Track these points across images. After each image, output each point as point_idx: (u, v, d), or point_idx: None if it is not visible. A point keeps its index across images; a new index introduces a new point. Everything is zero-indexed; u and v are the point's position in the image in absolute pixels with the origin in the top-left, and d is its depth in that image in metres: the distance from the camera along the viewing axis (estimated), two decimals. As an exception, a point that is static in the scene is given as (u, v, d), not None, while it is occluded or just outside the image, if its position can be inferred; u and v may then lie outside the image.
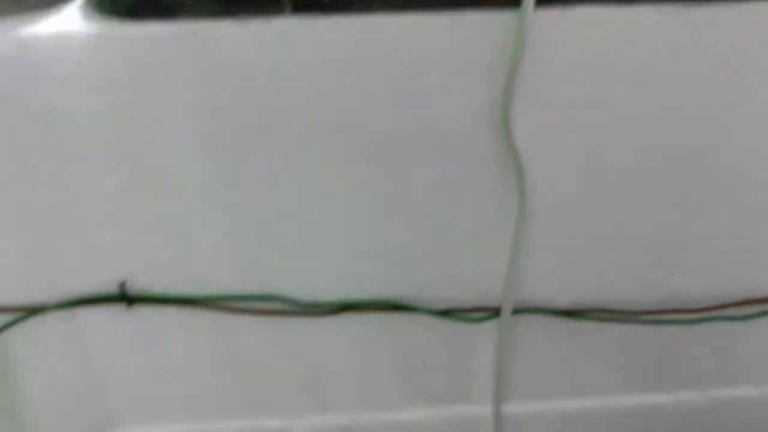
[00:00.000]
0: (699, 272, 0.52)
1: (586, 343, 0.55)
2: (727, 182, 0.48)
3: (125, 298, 0.51)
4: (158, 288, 0.51)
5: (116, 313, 0.51)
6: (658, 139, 0.46)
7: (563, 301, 0.53)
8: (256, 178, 0.47)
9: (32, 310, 0.50)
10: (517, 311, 0.52)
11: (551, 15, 0.41)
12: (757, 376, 0.58)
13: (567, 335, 0.54)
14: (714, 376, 0.58)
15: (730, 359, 0.57)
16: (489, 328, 0.53)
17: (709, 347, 0.56)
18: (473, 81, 0.44)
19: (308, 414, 0.58)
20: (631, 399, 0.59)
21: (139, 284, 0.51)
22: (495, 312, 0.52)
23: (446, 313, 0.53)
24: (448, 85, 0.44)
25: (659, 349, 0.56)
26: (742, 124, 0.46)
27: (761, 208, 0.49)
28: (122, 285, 0.51)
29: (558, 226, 0.50)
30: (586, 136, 0.46)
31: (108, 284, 0.50)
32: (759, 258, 0.51)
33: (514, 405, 0.58)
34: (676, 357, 0.57)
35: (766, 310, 0.52)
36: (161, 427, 0.58)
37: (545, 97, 0.44)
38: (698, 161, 0.47)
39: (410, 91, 0.44)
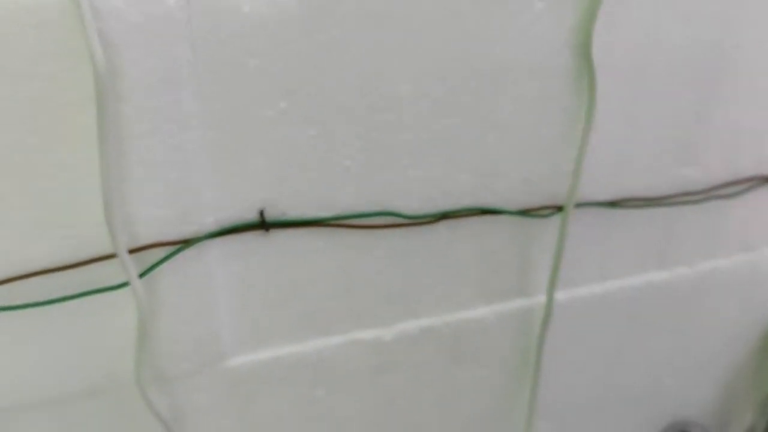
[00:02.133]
0: (703, 161, 0.67)
1: (619, 231, 0.69)
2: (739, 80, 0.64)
3: (264, 224, 0.56)
4: (293, 213, 0.57)
5: (254, 239, 0.57)
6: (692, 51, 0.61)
7: (605, 194, 0.66)
8: (386, 108, 0.55)
9: (183, 243, 0.54)
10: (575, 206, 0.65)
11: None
12: (737, 247, 0.75)
13: (605, 224, 0.68)
14: (702, 251, 0.74)
15: (716, 235, 0.73)
16: (553, 221, 0.65)
17: (701, 225, 0.72)
18: (565, 7, 0.55)
19: (396, 322, 0.66)
20: (641, 278, 0.74)
21: (276, 211, 0.56)
22: (558, 208, 0.65)
23: (523, 212, 0.64)
24: (549, 10, 0.55)
25: (665, 230, 0.71)
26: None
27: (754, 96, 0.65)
28: (261, 212, 0.56)
29: (612, 133, 0.63)
30: (653, 56, 0.60)
31: (249, 213, 0.56)
32: (743, 143, 0.68)
33: (560, 293, 0.70)
34: (675, 236, 0.72)
35: (748, 187, 0.69)
36: (270, 351, 0.63)
37: (623, 22, 0.57)
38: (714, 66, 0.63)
39: (521, 15, 0.55)
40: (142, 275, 0.53)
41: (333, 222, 0.58)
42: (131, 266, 0.52)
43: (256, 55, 0.49)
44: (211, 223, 0.55)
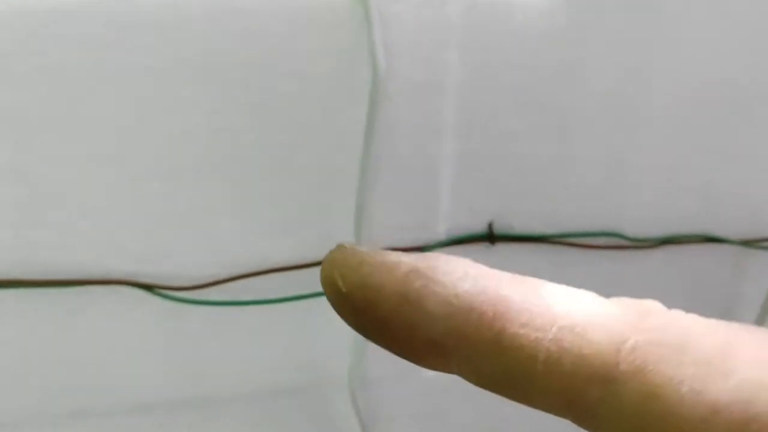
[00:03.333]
0: None
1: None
2: None
3: (491, 236, 0.55)
4: (519, 227, 0.56)
5: (479, 251, 0.56)
6: None
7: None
8: (629, 129, 0.53)
9: (415, 250, 0.54)
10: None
11: None
12: None
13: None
14: None
15: None
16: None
17: None
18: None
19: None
20: None
21: (504, 224, 0.55)
22: (782, 241, 0.62)
23: (746, 243, 0.61)
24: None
25: None
26: None
27: None
28: (490, 225, 0.55)
29: None
30: None
31: (478, 224, 0.55)
32: None
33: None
34: None
35: None
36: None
37: None
38: None
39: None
40: (374, 279, 0.53)
41: (556, 239, 0.57)
42: (368, 270, 0.51)
43: (517, 68, 0.49)
44: (442, 233, 0.54)
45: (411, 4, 0.44)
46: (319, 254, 0.51)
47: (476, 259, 0.51)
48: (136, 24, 0.41)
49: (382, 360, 0.59)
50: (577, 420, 0.14)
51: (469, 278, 0.15)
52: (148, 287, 0.51)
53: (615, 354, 0.14)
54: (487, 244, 0.56)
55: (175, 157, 0.47)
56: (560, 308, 0.15)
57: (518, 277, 0.16)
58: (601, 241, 0.58)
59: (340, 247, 0.16)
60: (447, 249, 0.55)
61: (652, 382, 0.13)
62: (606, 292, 0.54)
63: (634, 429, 0.13)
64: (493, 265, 0.51)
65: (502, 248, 0.56)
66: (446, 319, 0.15)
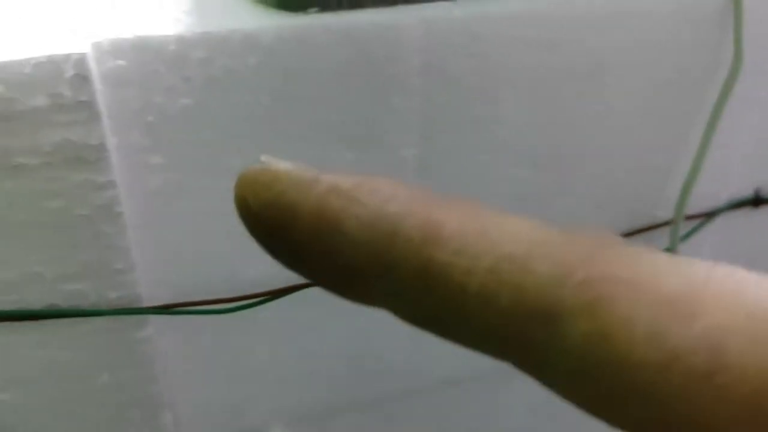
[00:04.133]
0: None
1: None
2: None
3: (757, 201, 0.62)
4: (778, 191, 0.63)
5: (744, 214, 0.63)
6: None
7: None
8: None
9: (706, 216, 0.60)
10: None
11: None
12: None
13: None
14: None
15: None
16: None
17: None
18: None
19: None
20: None
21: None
22: None
23: None
24: None
25: None
26: None
27: None
28: (757, 191, 0.62)
29: None
30: None
31: (743, 190, 0.62)
32: None
33: None
34: None
35: None
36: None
37: None
38: None
39: None
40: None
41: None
42: (678, 235, 0.58)
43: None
44: (723, 199, 0.61)
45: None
46: (629, 226, 0.57)
47: (739, 222, 0.58)
48: (562, 25, 0.45)
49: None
50: (518, 363, 0.13)
51: (397, 200, 0.13)
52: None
53: (561, 289, 0.12)
54: (751, 207, 0.63)
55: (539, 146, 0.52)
56: (500, 235, 0.13)
57: (457, 200, 0.13)
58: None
59: (258, 164, 0.14)
60: (720, 215, 0.62)
61: (603, 322, 0.11)
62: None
63: (581, 374, 0.12)
64: (756, 228, 0.59)
65: (765, 211, 0.64)
66: (367, 245, 0.13)
